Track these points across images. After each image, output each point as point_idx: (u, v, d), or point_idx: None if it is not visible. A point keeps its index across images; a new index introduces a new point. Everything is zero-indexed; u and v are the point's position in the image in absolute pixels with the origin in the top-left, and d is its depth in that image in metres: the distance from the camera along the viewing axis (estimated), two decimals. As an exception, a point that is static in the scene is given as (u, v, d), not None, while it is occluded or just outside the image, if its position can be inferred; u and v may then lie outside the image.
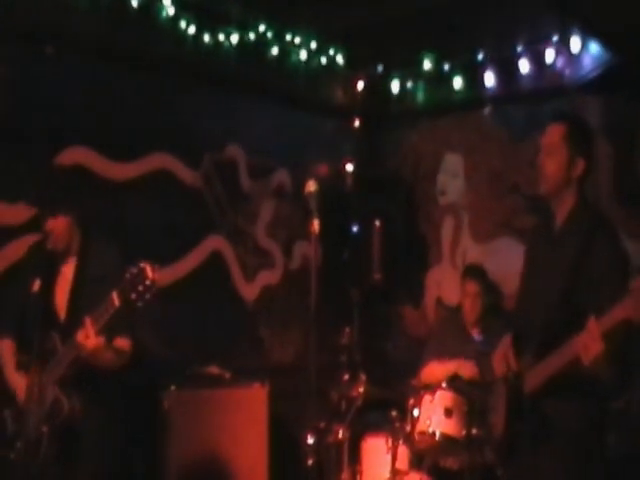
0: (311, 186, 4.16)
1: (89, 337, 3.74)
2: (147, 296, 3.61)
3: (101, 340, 3.80)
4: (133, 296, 3.61)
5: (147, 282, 3.59)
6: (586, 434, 3.39)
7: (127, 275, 3.62)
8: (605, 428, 3.47)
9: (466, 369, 5.21)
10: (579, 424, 3.37)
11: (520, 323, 3.64)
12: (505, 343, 3.59)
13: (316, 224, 4.13)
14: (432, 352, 5.70)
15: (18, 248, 4.71)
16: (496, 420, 3.56)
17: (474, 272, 5.82)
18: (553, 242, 3.60)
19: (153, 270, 3.60)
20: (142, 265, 3.61)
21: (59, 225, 4.03)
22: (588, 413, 3.39)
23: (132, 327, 4.07)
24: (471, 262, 6.39)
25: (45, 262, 4.09)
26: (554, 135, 3.56)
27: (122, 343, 4.05)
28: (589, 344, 3.08)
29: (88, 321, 3.74)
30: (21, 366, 4.05)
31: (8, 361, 4.16)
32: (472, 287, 5.68)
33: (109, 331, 3.85)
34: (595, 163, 3.61)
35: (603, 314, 3.07)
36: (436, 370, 5.43)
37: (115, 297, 3.66)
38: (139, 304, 3.63)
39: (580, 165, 3.53)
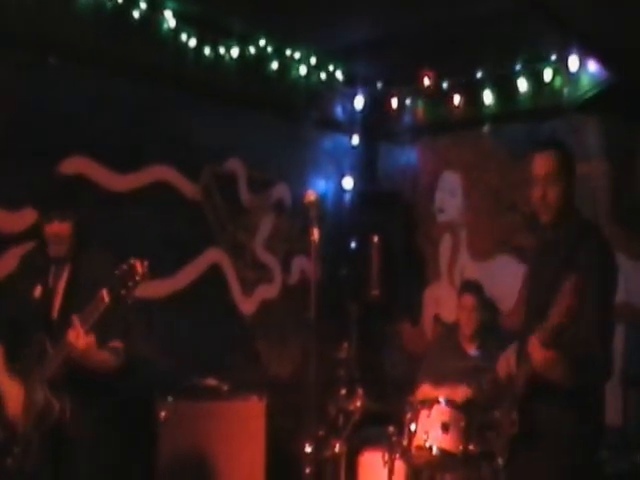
0: (311, 196, 4.18)
1: (79, 336, 3.71)
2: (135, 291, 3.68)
3: (92, 339, 3.76)
4: (123, 292, 3.66)
5: (137, 278, 3.64)
6: (571, 439, 3.44)
7: (117, 272, 3.66)
8: (593, 437, 3.52)
9: (457, 394, 5.19)
10: (563, 429, 3.44)
11: (522, 330, 3.69)
12: (511, 348, 3.70)
13: (316, 233, 4.14)
14: (428, 370, 5.70)
15: (15, 256, 4.67)
16: (502, 420, 3.63)
17: (471, 286, 5.86)
18: (545, 251, 3.69)
19: (142, 266, 3.65)
20: (132, 262, 3.66)
21: (60, 231, 4.02)
22: (569, 418, 3.44)
23: (125, 332, 4.05)
24: (468, 277, 6.41)
25: (46, 268, 4.08)
26: (550, 164, 3.59)
27: (116, 345, 4.01)
28: (534, 354, 3.31)
29: (76, 320, 3.72)
30: (12, 372, 4.01)
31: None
32: (468, 301, 5.70)
33: (103, 335, 3.84)
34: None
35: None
36: (429, 394, 5.41)
37: (105, 294, 3.68)
38: (128, 300, 3.68)
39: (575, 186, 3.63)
